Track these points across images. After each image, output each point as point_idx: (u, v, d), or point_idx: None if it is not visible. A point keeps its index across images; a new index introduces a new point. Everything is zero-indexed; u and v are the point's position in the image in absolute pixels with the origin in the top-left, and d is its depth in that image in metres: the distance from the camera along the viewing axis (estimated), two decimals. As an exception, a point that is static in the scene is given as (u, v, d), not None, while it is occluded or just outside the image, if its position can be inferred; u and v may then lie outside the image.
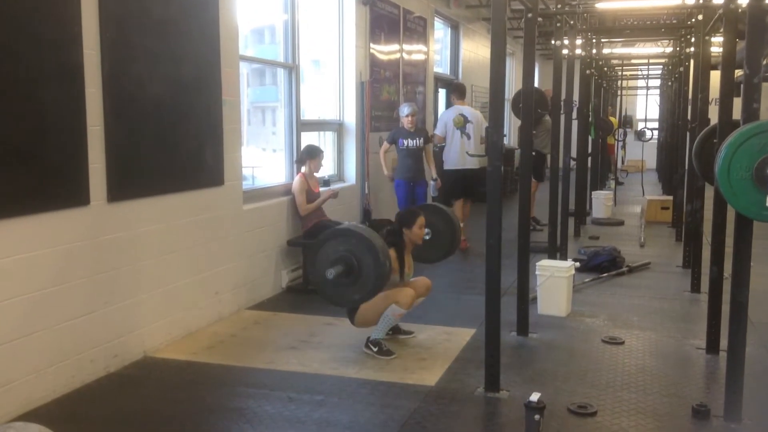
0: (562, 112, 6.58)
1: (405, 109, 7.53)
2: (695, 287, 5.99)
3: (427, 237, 4.69)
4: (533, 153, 5.34)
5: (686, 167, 7.36)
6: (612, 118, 15.30)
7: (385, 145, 7.67)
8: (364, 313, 4.43)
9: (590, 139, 10.65)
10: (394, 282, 4.42)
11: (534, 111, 6.33)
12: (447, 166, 7.89)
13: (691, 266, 6.21)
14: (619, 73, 14.81)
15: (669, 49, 12.15)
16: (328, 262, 4.02)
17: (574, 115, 9.61)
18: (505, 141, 8.30)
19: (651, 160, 17.36)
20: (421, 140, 7.54)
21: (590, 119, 10.25)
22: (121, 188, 4.12)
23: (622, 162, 16.84)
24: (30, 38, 3.48)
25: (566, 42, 7.25)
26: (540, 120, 8.82)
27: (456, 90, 8.34)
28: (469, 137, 7.77)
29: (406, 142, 7.49)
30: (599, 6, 8.36)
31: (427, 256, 4.98)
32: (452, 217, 5.01)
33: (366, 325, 4.49)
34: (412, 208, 4.96)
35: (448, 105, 11.64)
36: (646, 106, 15.22)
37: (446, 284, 6.39)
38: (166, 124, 4.52)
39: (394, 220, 4.70)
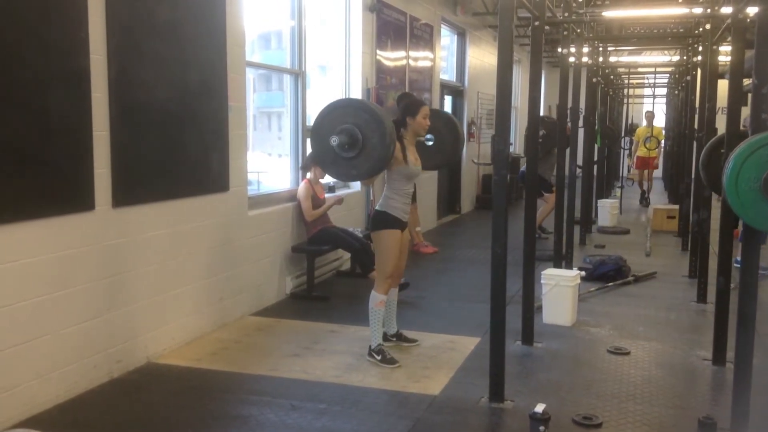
0: (568, 120, 6.56)
1: None
2: (702, 297, 5.96)
3: (430, 143, 4.67)
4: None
5: (693, 176, 7.33)
6: (656, 127, 14.40)
7: None
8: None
9: (596, 147, 10.62)
10: (401, 172, 4.29)
11: (546, 141, 6.30)
12: None
13: (698, 276, 6.17)
14: (626, 81, 14.76)
15: (676, 58, 12.12)
16: (334, 129, 3.94)
17: (581, 123, 9.58)
18: (511, 149, 8.27)
19: (657, 168, 17.29)
20: None
21: (596, 127, 10.22)
22: (126, 193, 4.12)
23: (628, 170, 16.77)
24: (36, 43, 3.48)
25: (573, 50, 7.23)
26: (552, 150, 8.71)
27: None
28: None
29: None
30: (606, 14, 8.35)
31: (431, 162, 4.90)
32: (454, 121, 5.06)
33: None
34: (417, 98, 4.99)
35: (454, 110, 11.67)
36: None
37: (451, 292, 6.37)
38: (171, 130, 4.52)
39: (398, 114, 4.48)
